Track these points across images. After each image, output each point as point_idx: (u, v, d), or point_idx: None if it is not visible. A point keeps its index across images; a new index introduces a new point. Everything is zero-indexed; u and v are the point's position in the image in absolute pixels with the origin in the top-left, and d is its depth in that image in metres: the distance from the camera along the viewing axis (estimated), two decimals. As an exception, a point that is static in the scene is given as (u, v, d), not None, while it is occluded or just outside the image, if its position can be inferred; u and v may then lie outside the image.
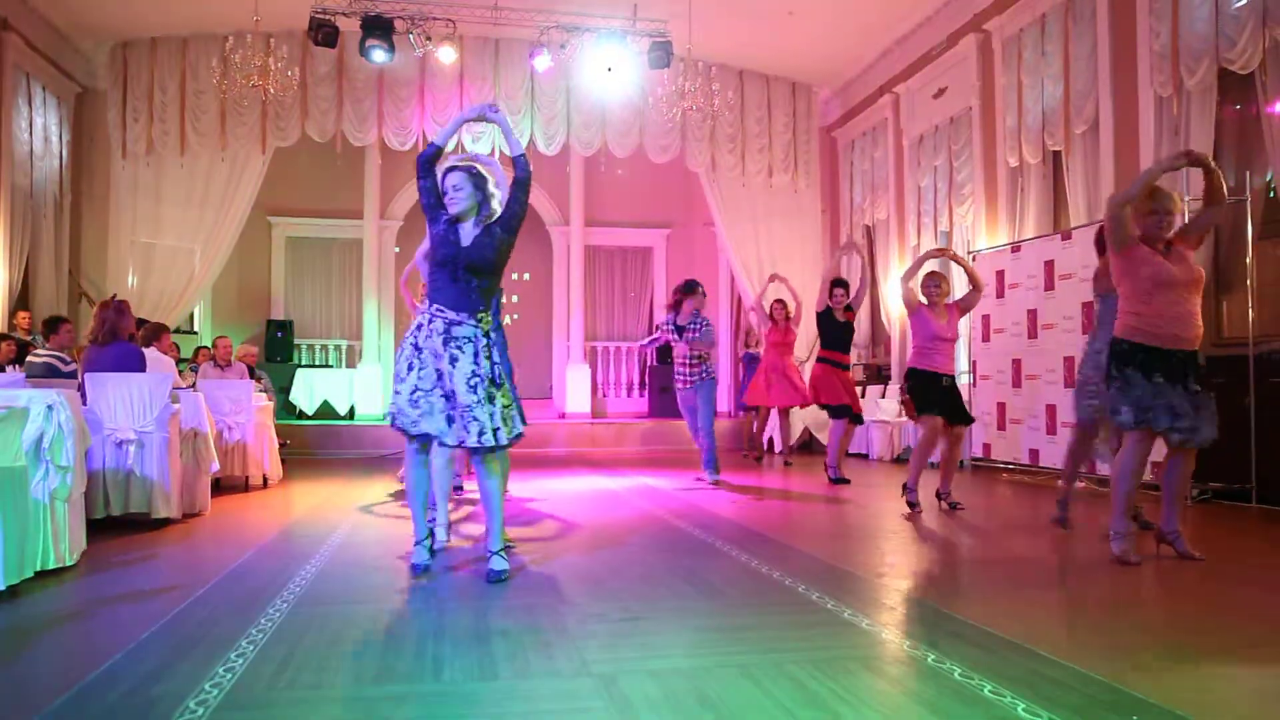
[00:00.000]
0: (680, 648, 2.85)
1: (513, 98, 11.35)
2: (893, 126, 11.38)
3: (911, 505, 5.75)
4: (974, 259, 8.75)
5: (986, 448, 8.62)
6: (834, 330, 7.74)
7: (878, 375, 12.03)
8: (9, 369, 7.31)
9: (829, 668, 2.60)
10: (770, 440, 11.09)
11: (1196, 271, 4.06)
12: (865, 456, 10.49)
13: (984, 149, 9.51)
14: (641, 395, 14.61)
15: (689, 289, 7.54)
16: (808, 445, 11.65)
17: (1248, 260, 6.39)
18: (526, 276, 15.70)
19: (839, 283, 7.82)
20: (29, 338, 8.67)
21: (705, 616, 3.22)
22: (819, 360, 7.94)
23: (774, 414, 9.88)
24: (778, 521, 5.57)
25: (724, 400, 13.68)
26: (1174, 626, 3.15)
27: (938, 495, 5.90)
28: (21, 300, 9.96)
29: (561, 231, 14.61)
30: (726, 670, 2.59)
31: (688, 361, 7.52)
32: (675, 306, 7.64)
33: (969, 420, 6.04)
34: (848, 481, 7.50)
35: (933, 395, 5.82)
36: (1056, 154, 8.55)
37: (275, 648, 2.79)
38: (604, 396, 14.66)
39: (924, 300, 6.04)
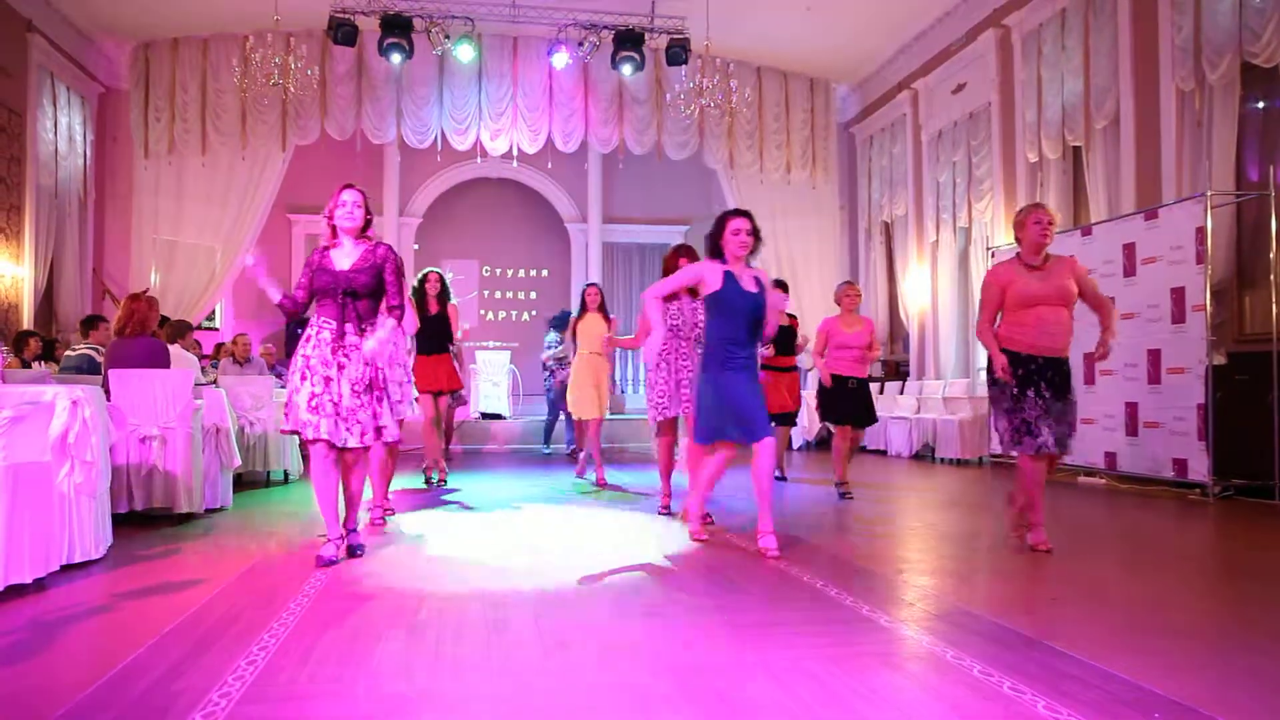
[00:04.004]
0: (698, 643, 2.85)
1: (530, 95, 11.39)
2: (911, 122, 11.33)
3: (844, 495, 6.36)
4: (993, 255, 8.70)
5: None
6: (777, 335, 7.13)
7: (896, 372, 11.99)
8: (35, 365, 7.42)
9: (848, 664, 2.60)
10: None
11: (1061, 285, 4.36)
12: (884, 453, 10.45)
13: (1003, 144, 9.45)
14: (660, 393, 14.58)
15: None
16: (825, 442, 11.63)
17: (1271, 256, 6.33)
18: (545, 273, 15.73)
19: (778, 283, 7.24)
20: (56, 336, 8.78)
21: (723, 612, 3.23)
22: (762, 367, 7.56)
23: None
24: (793, 517, 5.56)
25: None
26: (1197, 623, 3.13)
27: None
28: (47, 298, 10.09)
29: (579, 229, 14.63)
30: (745, 667, 2.59)
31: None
32: None
33: (870, 422, 6.61)
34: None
35: (836, 398, 6.44)
36: (1076, 149, 8.49)
37: (296, 642, 2.82)
38: (621, 394, 14.66)
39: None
